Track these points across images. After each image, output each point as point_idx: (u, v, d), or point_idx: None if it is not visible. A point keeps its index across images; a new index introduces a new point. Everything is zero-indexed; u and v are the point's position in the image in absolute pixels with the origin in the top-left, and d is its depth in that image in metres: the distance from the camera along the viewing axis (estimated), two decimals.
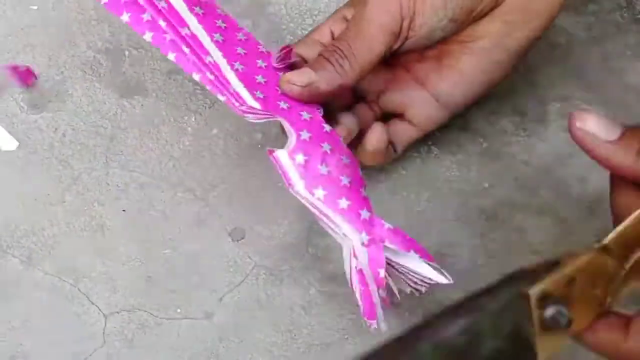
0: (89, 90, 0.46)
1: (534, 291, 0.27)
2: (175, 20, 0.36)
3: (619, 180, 0.30)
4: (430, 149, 0.46)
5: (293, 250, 0.42)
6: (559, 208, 0.45)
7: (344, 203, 0.34)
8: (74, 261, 0.41)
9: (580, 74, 0.50)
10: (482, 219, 0.44)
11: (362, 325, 0.40)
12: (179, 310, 0.40)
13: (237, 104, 0.35)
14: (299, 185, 0.34)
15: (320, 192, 0.34)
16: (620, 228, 0.28)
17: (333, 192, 0.34)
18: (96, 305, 0.40)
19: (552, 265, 0.28)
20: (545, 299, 0.27)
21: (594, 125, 0.29)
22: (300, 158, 0.35)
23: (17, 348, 0.39)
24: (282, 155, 0.35)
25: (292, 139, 0.35)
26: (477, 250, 0.43)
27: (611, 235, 0.28)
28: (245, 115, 0.35)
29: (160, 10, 0.36)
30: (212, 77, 0.35)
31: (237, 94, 0.35)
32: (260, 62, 0.38)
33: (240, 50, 0.38)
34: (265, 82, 0.37)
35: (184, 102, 0.46)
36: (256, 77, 0.37)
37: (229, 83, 0.36)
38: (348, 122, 0.40)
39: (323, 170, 0.35)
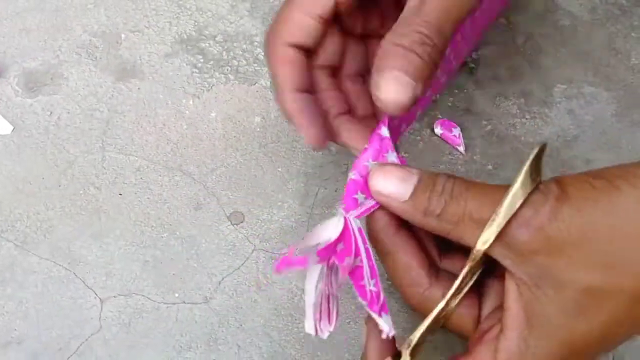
0: (84, 74, 0.45)
1: None
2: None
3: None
4: (433, 132, 0.45)
5: (293, 234, 0.41)
6: None
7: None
8: (70, 245, 0.40)
9: (585, 56, 0.49)
10: None
11: (363, 308, 0.39)
12: (177, 295, 0.39)
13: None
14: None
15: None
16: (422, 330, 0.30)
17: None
18: (92, 290, 0.39)
19: None
20: None
21: (387, 185, 0.30)
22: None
23: (12, 333, 0.38)
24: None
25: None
26: None
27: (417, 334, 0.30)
28: None
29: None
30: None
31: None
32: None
33: None
34: None
35: (181, 86, 0.46)
36: None
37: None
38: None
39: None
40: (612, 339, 0.28)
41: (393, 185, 0.30)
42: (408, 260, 0.31)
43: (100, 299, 0.39)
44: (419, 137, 0.45)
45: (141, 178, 0.42)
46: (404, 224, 0.31)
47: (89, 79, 0.45)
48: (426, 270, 0.31)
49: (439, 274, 0.31)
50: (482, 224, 0.28)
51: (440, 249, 0.33)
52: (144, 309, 0.39)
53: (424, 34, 0.30)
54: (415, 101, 0.30)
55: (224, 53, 0.47)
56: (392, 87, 0.29)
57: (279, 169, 0.43)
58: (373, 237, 0.31)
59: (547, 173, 0.44)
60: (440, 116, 0.45)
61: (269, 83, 0.46)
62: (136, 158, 0.43)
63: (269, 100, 0.45)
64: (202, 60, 0.46)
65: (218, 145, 0.44)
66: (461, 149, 0.44)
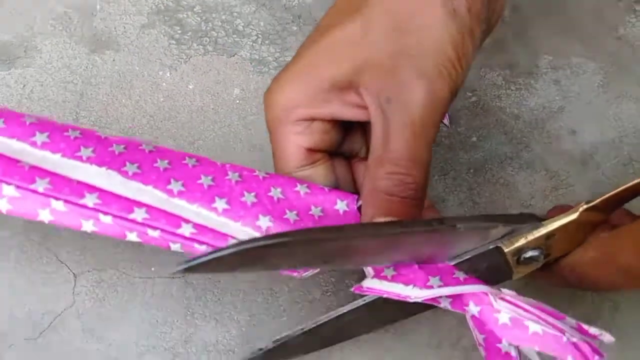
0: (58, 46, 0.44)
1: (509, 249, 0.31)
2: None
3: None
4: None
5: None
6: (550, 162, 0.43)
7: (459, 274, 0.29)
8: None
9: (573, 26, 0.48)
10: (471, 173, 0.42)
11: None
12: (153, 269, 0.38)
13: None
14: (414, 292, 0.28)
15: (435, 281, 0.28)
16: (609, 194, 0.31)
17: (444, 271, 0.29)
18: (65, 264, 0.38)
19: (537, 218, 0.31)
20: (520, 250, 0.31)
21: None
22: (389, 272, 0.29)
23: None
24: (372, 282, 0.30)
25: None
26: (465, 204, 0.41)
27: (600, 199, 0.31)
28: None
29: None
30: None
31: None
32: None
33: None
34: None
35: (157, 57, 0.44)
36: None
37: None
38: None
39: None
40: None
41: None
42: None
43: (74, 273, 0.38)
44: None
45: None
46: None
47: (63, 51, 0.44)
48: None
49: None
50: None
51: None
52: (119, 284, 0.38)
53: (400, 174, 0.28)
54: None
55: (203, 24, 0.46)
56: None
57: (258, 145, 0.42)
58: None
59: (532, 144, 0.44)
60: None
61: (248, 54, 0.45)
62: (111, 131, 0.42)
63: (249, 72, 0.44)
64: (179, 32, 0.45)
65: (196, 117, 0.43)
66: (446, 121, 0.43)
